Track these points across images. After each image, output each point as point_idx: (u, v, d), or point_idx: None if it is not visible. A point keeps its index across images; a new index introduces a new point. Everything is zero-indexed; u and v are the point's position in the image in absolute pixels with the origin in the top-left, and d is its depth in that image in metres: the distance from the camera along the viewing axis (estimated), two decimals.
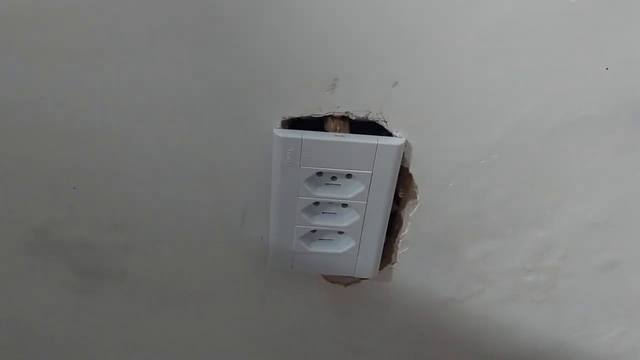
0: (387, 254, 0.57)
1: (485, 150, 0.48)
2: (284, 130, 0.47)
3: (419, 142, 0.48)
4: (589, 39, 0.42)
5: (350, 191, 0.50)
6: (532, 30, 0.42)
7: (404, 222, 0.54)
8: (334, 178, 0.50)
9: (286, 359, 0.67)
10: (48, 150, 0.49)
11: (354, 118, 0.46)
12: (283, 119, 0.46)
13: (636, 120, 0.46)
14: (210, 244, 0.56)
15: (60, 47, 0.43)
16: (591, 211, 0.53)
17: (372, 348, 0.65)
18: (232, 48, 0.43)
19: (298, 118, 0.47)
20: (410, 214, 0.53)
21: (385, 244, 0.55)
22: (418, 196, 0.52)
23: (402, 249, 0.56)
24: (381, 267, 0.57)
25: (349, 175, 0.49)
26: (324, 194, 0.50)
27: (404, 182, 0.51)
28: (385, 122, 0.46)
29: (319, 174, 0.49)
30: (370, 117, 0.46)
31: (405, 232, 0.55)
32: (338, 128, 0.47)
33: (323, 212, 0.52)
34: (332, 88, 0.44)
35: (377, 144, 0.47)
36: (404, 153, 0.48)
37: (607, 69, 0.43)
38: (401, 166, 0.49)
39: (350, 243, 0.54)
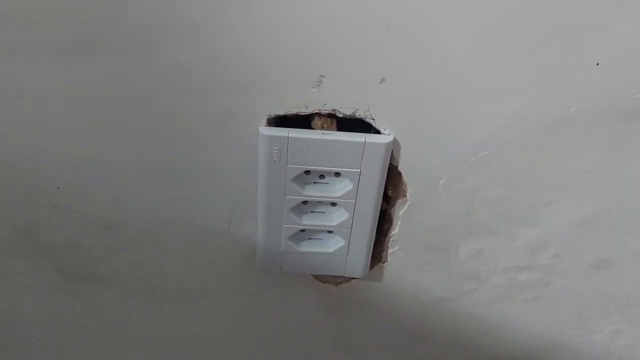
0: (378, 253, 0.56)
1: (475, 148, 0.47)
2: (270, 128, 0.46)
3: (407, 140, 0.47)
4: (579, 35, 0.41)
5: (339, 190, 0.49)
6: (521, 27, 0.41)
7: (394, 220, 0.53)
8: (322, 176, 0.49)
9: (276, 358, 0.67)
10: (29, 149, 0.48)
11: (341, 115, 0.46)
12: (269, 117, 0.46)
13: (626, 116, 0.45)
14: (197, 244, 0.55)
15: (48, 46, 0.42)
16: (583, 208, 0.52)
17: (363, 347, 0.65)
18: (216, 45, 0.42)
19: (284, 116, 0.46)
20: (400, 213, 0.52)
21: (375, 243, 0.54)
22: (408, 194, 0.51)
23: (393, 248, 0.55)
24: (372, 266, 0.57)
25: (337, 174, 0.49)
26: (311, 192, 0.49)
27: (393, 180, 0.50)
28: (373, 119, 0.46)
29: (307, 172, 0.49)
30: (358, 115, 0.46)
31: (396, 230, 0.54)
32: (325, 126, 0.46)
33: (312, 211, 0.52)
34: (319, 85, 0.44)
35: (365, 142, 0.46)
36: (392, 151, 0.47)
37: (597, 64, 0.42)
38: (390, 164, 0.48)
39: (340, 242, 0.53)
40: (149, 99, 0.45)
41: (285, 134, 0.45)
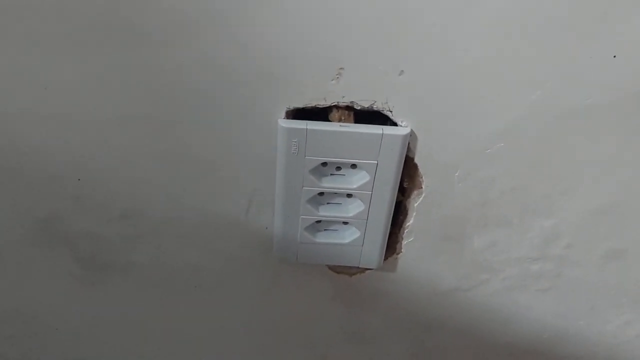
0: (392, 244, 0.57)
1: (492, 139, 0.48)
2: (288, 120, 0.46)
3: (424, 132, 0.48)
4: (597, 26, 0.41)
5: (355, 181, 0.50)
6: (538, 18, 0.41)
7: (409, 212, 0.54)
8: (338, 168, 0.50)
9: (291, 349, 0.67)
10: (52, 141, 0.49)
11: (359, 108, 0.46)
12: (287, 109, 0.46)
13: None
14: (215, 235, 0.56)
15: (69, 37, 0.42)
16: (597, 199, 0.52)
17: (377, 338, 0.66)
18: (236, 38, 0.42)
19: (302, 109, 0.46)
20: (416, 204, 0.53)
21: (390, 235, 0.55)
22: (423, 186, 0.51)
23: (407, 239, 0.56)
24: (386, 257, 0.57)
25: (353, 166, 0.49)
26: (328, 184, 0.50)
27: (409, 172, 0.51)
28: (391, 111, 0.46)
29: (324, 164, 0.49)
30: (376, 107, 0.46)
31: (411, 222, 0.54)
32: (342, 118, 0.47)
33: (328, 203, 0.52)
34: (338, 77, 0.44)
35: (383, 134, 0.46)
36: (409, 143, 0.48)
37: (614, 56, 0.42)
38: (406, 156, 0.49)
39: (355, 233, 0.54)
40: (170, 90, 0.45)
41: (304, 126, 0.46)
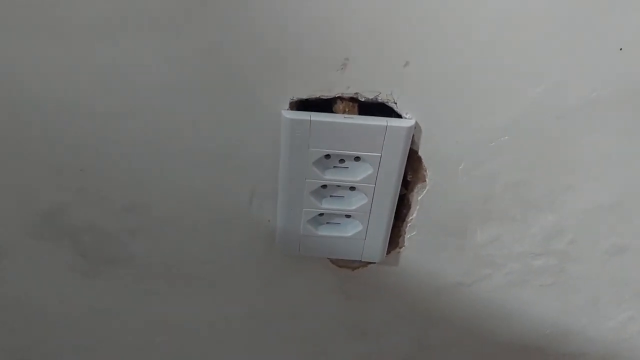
0: (395, 238, 0.56)
1: (496, 132, 0.47)
2: (292, 111, 0.46)
3: (428, 124, 0.47)
4: (602, 19, 0.41)
5: (359, 174, 0.49)
6: (545, 10, 0.41)
7: (412, 205, 0.54)
8: (342, 161, 0.50)
9: (293, 342, 0.67)
10: (55, 133, 0.48)
11: (363, 99, 0.46)
12: (291, 101, 0.46)
13: None
14: (217, 227, 0.56)
15: (70, 24, 0.42)
16: (601, 195, 0.52)
17: (379, 331, 0.65)
18: (239, 28, 0.42)
19: (306, 101, 0.46)
20: (419, 198, 0.53)
21: (393, 228, 0.55)
22: (427, 179, 0.51)
23: (410, 233, 0.56)
24: (389, 251, 0.57)
25: (357, 158, 0.49)
26: (332, 176, 0.50)
27: (413, 165, 0.51)
28: (395, 103, 0.46)
29: (327, 156, 0.49)
30: (380, 99, 0.46)
31: (414, 216, 0.54)
32: (347, 110, 0.47)
33: (331, 195, 0.52)
34: (343, 68, 0.44)
35: (387, 126, 0.46)
36: (413, 135, 0.48)
37: (620, 49, 0.42)
38: (410, 149, 0.49)
39: (358, 227, 0.53)
40: (173, 81, 0.45)
41: (308, 118, 0.46)
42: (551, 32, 0.42)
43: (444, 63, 0.44)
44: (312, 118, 0.46)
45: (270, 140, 0.48)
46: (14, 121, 0.48)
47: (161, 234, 0.56)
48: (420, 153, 0.49)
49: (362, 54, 0.43)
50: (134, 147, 0.49)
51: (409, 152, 0.49)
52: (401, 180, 0.50)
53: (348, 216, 0.53)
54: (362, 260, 0.56)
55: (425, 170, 0.51)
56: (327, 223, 0.54)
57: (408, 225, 0.55)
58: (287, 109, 0.46)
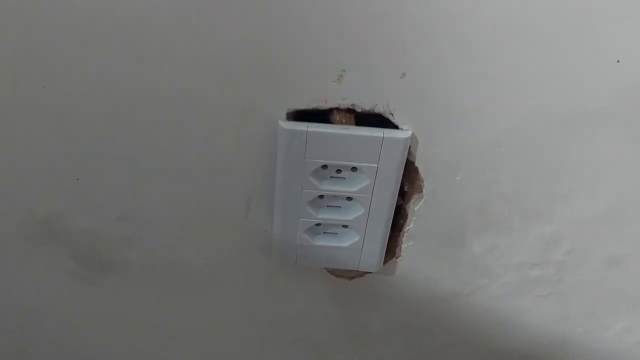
0: (392, 248, 0.56)
1: (493, 142, 0.47)
2: (289, 122, 0.46)
3: (425, 135, 0.47)
4: (600, 30, 0.41)
5: (355, 184, 0.49)
6: (542, 21, 0.41)
7: (409, 216, 0.53)
8: (338, 171, 0.49)
9: (290, 351, 0.67)
10: (50, 140, 0.48)
11: (360, 110, 0.46)
12: (288, 111, 0.46)
13: None
14: (213, 236, 0.55)
15: (70, 33, 0.42)
16: (598, 204, 0.52)
17: (376, 341, 0.65)
18: (237, 39, 0.42)
19: (303, 111, 0.46)
20: (416, 208, 0.53)
21: (389, 238, 0.55)
22: (424, 190, 0.51)
23: (407, 243, 0.56)
24: (386, 260, 0.57)
25: (354, 169, 0.49)
26: (329, 187, 0.50)
27: (409, 175, 0.50)
28: (392, 114, 0.46)
29: (324, 166, 0.49)
30: (377, 110, 0.46)
31: (411, 226, 0.54)
32: (344, 121, 0.47)
33: (327, 206, 0.52)
34: (339, 79, 0.44)
35: (383, 137, 0.46)
36: (410, 146, 0.48)
37: (618, 61, 0.42)
38: (407, 159, 0.48)
39: (355, 237, 0.53)
40: (170, 90, 0.45)
41: (305, 128, 0.46)
42: (548, 43, 0.42)
43: (441, 74, 0.44)
44: (309, 129, 0.46)
45: (267, 150, 0.48)
46: (8, 128, 0.48)
47: (157, 242, 0.56)
48: (417, 164, 0.49)
49: (358, 65, 0.43)
50: (129, 155, 0.49)
51: (406, 163, 0.49)
52: (398, 191, 0.50)
53: (345, 226, 0.53)
54: (359, 270, 0.56)
55: (422, 181, 0.51)
56: (324, 233, 0.54)
57: (405, 235, 0.55)
58: (284, 120, 0.46)
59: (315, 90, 0.45)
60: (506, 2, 0.40)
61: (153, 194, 0.52)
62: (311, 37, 0.42)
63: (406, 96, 0.45)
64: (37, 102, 0.46)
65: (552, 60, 0.43)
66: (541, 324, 0.62)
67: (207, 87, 0.45)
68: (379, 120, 0.47)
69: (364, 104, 0.45)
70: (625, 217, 0.53)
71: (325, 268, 0.58)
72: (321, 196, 0.51)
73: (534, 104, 0.45)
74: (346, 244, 0.54)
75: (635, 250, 0.55)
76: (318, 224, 0.53)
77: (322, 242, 0.54)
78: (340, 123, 0.47)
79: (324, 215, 0.52)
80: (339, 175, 0.50)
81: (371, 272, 0.58)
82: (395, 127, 0.47)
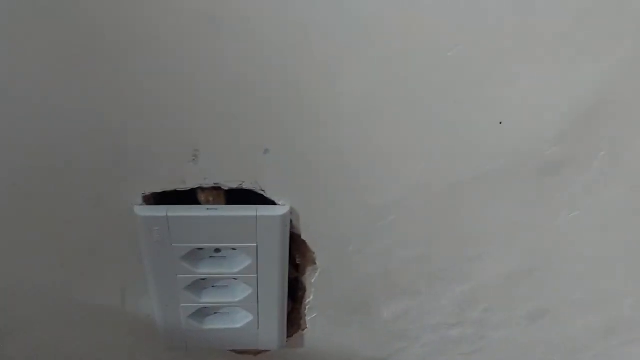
0: (296, 321, 0.51)
1: (381, 212, 0.43)
2: (145, 207, 0.41)
3: (306, 208, 0.42)
4: (476, 93, 0.36)
5: (236, 265, 0.44)
6: (418, 85, 0.36)
7: (307, 288, 0.48)
8: (217, 250, 0.44)
9: None
10: None
11: (226, 188, 0.41)
12: (144, 195, 0.40)
13: (543, 170, 0.41)
14: (94, 325, 0.50)
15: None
16: (510, 262, 0.48)
17: None
18: (78, 122, 0.36)
19: (164, 192, 0.41)
20: (312, 280, 0.48)
21: (291, 312, 0.50)
22: (317, 262, 0.46)
23: (311, 315, 0.51)
24: (291, 334, 0.52)
25: (233, 248, 0.43)
26: (206, 269, 0.44)
27: (299, 248, 0.45)
28: (263, 190, 0.41)
29: (200, 248, 0.43)
30: (245, 187, 0.41)
31: (311, 298, 0.49)
32: (211, 199, 0.41)
33: (213, 286, 0.47)
34: (194, 160, 0.38)
35: (257, 216, 0.41)
36: (292, 220, 0.43)
37: (500, 123, 0.37)
38: (293, 233, 0.44)
39: (248, 317, 0.48)
40: (25, 184, 0.39)
41: (164, 213, 0.40)
42: (428, 108, 0.37)
43: (311, 147, 0.39)
44: (169, 214, 0.40)
45: (130, 236, 0.42)
46: None
47: (37, 334, 0.50)
48: (303, 237, 0.44)
49: (214, 143, 0.38)
50: None
51: (292, 236, 0.44)
52: (287, 266, 0.45)
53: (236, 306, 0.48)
54: (259, 348, 0.51)
55: (314, 253, 0.46)
56: (215, 314, 0.49)
57: (307, 307, 0.50)
58: (141, 204, 0.41)
59: (169, 171, 0.39)
60: (379, 67, 0.35)
61: (20, 289, 0.46)
62: (158, 116, 0.37)
63: (274, 172, 0.40)
64: None
65: (434, 125, 0.38)
66: None
67: (53, 176, 0.39)
68: (255, 194, 0.42)
69: (230, 182, 0.40)
70: (542, 271, 0.49)
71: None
72: (203, 278, 0.45)
73: (420, 171, 0.40)
74: (239, 325, 0.48)
75: (558, 302, 0.52)
76: (205, 307, 0.47)
77: (212, 324, 0.48)
78: (207, 202, 0.41)
79: (208, 299, 0.46)
80: (219, 254, 0.44)
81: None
82: (272, 202, 0.42)
